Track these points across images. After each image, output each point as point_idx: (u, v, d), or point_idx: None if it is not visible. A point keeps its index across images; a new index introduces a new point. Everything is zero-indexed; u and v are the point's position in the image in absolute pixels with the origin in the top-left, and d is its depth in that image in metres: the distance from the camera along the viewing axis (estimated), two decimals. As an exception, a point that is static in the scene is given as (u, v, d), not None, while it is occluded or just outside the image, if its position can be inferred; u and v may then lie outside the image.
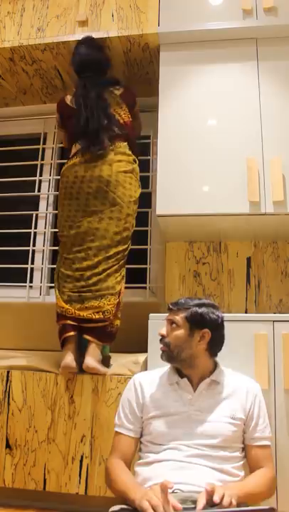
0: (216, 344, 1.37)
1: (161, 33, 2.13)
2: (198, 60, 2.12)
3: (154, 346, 1.69)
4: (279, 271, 2.23)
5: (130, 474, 1.27)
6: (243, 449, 1.32)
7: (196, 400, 1.32)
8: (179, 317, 1.35)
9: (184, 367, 1.36)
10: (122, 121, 2.04)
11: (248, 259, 2.27)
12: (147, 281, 2.39)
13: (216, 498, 1.04)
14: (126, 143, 2.03)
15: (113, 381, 1.75)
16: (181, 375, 1.37)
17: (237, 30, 2.09)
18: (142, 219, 2.50)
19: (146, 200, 2.55)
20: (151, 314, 1.76)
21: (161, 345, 1.38)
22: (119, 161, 1.97)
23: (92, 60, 2.11)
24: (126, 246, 1.93)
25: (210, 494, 1.05)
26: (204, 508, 1.04)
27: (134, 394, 1.38)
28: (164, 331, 1.38)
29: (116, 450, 1.33)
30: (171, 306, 1.40)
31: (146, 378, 1.43)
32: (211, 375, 1.35)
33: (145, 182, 2.52)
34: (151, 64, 2.33)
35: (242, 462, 1.30)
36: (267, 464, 1.28)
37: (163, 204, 1.97)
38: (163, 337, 1.38)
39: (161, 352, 1.38)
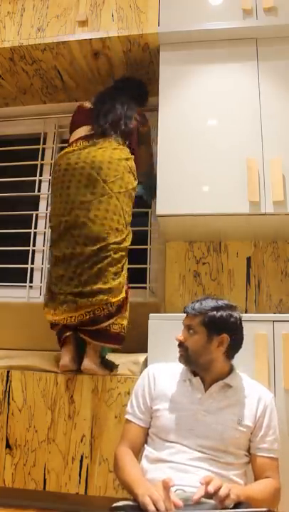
0: (234, 347, 1.35)
1: (161, 33, 2.13)
2: (198, 59, 2.12)
3: (154, 346, 1.70)
4: (279, 271, 2.23)
5: (137, 466, 1.28)
6: (247, 457, 1.29)
7: (205, 400, 1.31)
8: (195, 323, 1.32)
9: (199, 369, 1.34)
10: (131, 125, 2.03)
11: (248, 259, 2.27)
12: (147, 281, 2.40)
13: (211, 488, 1.04)
14: (126, 142, 1.99)
15: (113, 381, 1.75)
16: (195, 373, 1.36)
17: (237, 30, 2.09)
18: (142, 219, 2.50)
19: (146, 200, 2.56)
20: (151, 314, 1.76)
21: (179, 349, 1.35)
22: (114, 148, 1.91)
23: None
24: (119, 239, 1.79)
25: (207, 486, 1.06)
26: (201, 501, 1.04)
27: (147, 384, 1.39)
28: (181, 337, 1.35)
29: (125, 438, 1.34)
30: (187, 310, 1.36)
31: (160, 370, 1.42)
32: (225, 377, 1.33)
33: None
34: (151, 64, 2.33)
35: (243, 470, 1.28)
36: (273, 476, 1.26)
37: (163, 204, 1.97)
38: (181, 342, 1.35)
39: (179, 355, 1.36)
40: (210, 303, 1.33)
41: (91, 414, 1.73)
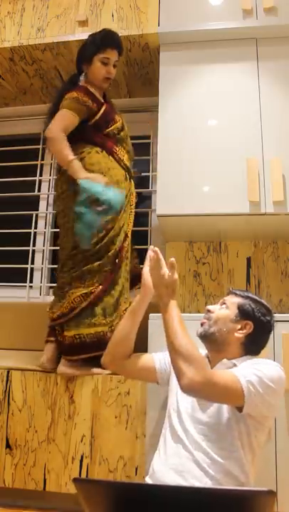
0: (253, 342, 1.33)
1: (161, 33, 2.14)
2: (198, 60, 2.12)
3: (154, 346, 1.70)
4: (279, 271, 2.23)
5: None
6: (246, 450, 1.21)
7: None
8: (232, 301, 1.36)
9: (213, 348, 1.34)
10: None
11: (248, 259, 2.27)
12: (147, 281, 2.39)
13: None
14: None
15: (113, 381, 1.75)
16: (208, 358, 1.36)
17: (237, 30, 2.09)
18: (142, 219, 2.50)
19: (146, 200, 2.56)
20: (151, 314, 1.76)
21: (204, 319, 1.36)
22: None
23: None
24: (70, 244, 1.90)
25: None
26: None
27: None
28: (212, 307, 1.38)
29: None
30: (231, 290, 1.41)
31: None
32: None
33: (145, 182, 2.53)
34: (151, 64, 2.33)
35: (247, 466, 1.20)
36: (215, 372, 1.19)
37: (163, 204, 1.97)
38: (209, 311, 1.37)
39: (199, 326, 1.36)
40: (254, 296, 1.38)
41: (91, 414, 1.73)
